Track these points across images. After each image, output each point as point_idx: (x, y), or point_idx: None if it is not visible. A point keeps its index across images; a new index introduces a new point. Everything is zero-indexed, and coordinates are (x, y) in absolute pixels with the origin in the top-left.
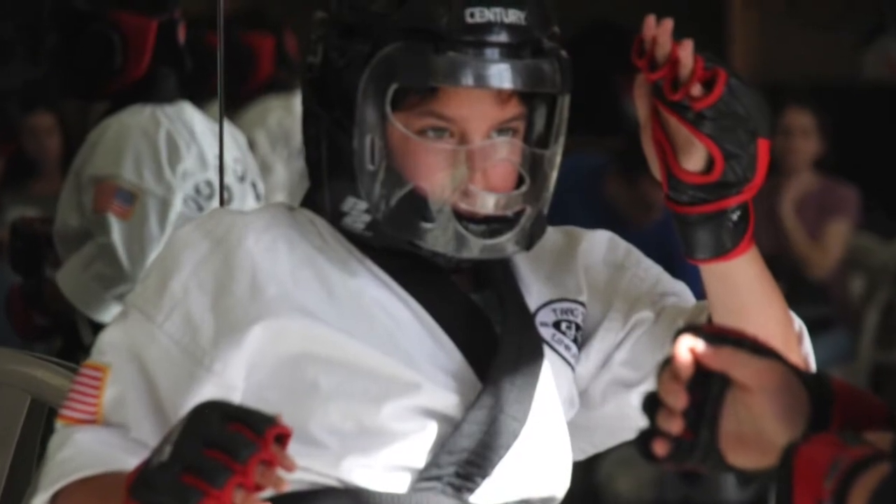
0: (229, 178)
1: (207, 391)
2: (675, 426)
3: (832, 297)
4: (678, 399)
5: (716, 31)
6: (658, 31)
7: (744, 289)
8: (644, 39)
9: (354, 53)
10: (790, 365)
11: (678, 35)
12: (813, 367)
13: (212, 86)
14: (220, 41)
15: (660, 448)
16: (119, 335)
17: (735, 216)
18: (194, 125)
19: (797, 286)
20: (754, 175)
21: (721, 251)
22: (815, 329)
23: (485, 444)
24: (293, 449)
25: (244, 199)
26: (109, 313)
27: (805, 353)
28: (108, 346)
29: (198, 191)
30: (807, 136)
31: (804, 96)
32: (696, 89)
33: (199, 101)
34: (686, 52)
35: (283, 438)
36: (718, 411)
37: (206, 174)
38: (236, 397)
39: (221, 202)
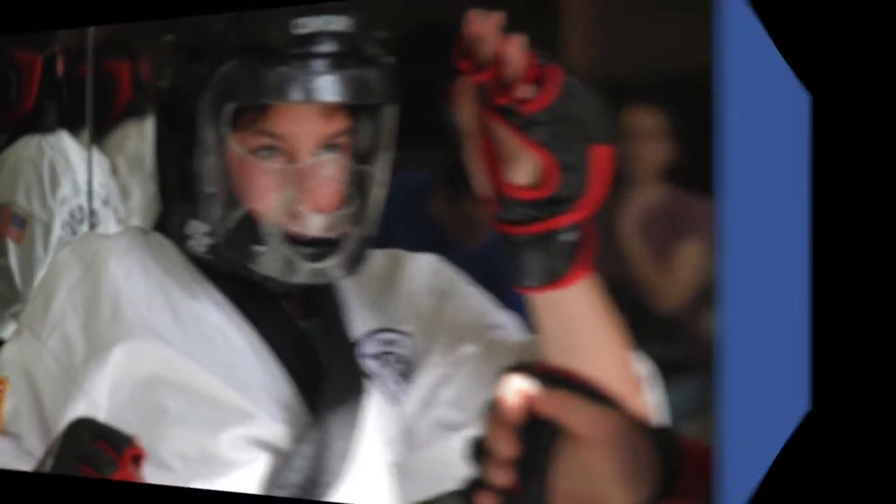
0: (96, 203)
1: (80, 408)
2: (501, 478)
3: (684, 333)
4: (505, 447)
5: (549, 18)
6: (484, 25)
7: (579, 323)
8: (468, 37)
9: (198, 75)
10: (631, 414)
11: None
12: (662, 417)
13: (84, 114)
14: (91, 72)
15: (485, 502)
16: (15, 351)
17: (568, 237)
18: (70, 153)
19: (643, 320)
20: (590, 189)
21: (551, 278)
22: (667, 372)
23: (313, 482)
24: (147, 470)
25: (108, 223)
26: (7, 330)
27: (652, 401)
28: (6, 362)
29: (72, 215)
30: (653, 140)
31: (652, 92)
32: (526, 90)
33: (74, 129)
34: (514, 48)
35: (138, 459)
36: (547, 465)
37: (79, 199)
38: (102, 415)
39: (91, 226)
